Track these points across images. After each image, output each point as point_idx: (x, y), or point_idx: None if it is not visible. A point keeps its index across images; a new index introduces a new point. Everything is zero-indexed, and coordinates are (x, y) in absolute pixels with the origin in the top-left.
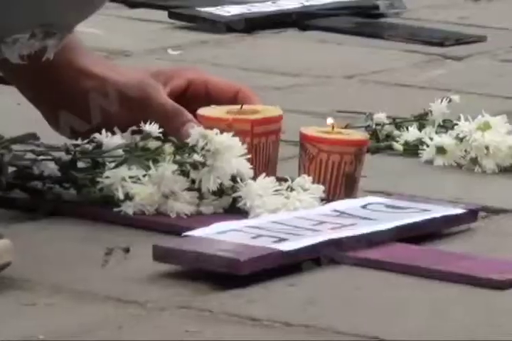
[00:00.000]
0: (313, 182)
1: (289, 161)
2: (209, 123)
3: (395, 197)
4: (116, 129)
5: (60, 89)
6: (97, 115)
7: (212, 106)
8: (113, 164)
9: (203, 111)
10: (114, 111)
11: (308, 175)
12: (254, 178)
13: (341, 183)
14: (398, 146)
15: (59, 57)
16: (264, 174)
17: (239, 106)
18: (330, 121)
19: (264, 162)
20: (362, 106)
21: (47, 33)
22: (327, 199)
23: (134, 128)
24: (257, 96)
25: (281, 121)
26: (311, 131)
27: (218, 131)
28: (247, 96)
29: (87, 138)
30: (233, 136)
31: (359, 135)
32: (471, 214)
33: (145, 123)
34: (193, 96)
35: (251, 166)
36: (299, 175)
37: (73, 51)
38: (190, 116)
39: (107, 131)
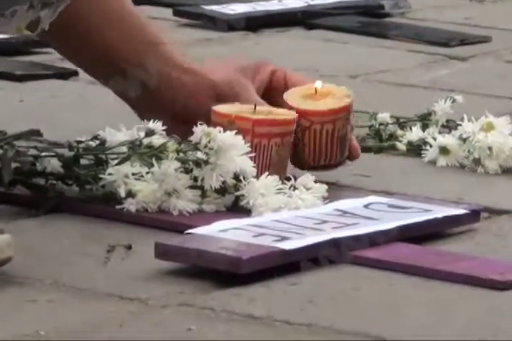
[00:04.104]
0: (308, 151)
1: None
2: (216, 118)
3: (398, 197)
4: (121, 126)
5: (156, 83)
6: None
7: (236, 103)
8: (116, 161)
9: (218, 106)
10: (203, 108)
11: (304, 146)
12: (257, 177)
13: (336, 147)
14: (401, 146)
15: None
16: (267, 173)
17: (264, 107)
18: (318, 84)
19: (264, 164)
20: (366, 106)
21: (44, 3)
22: (325, 164)
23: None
24: None
25: (290, 126)
26: (297, 99)
27: (222, 129)
28: None
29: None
30: (236, 133)
31: (344, 94)
32: (473, 215)
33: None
34: (274, 89)
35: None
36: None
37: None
38: None
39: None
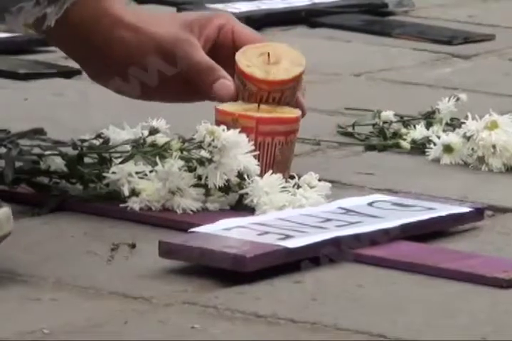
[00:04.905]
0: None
1: (296, 159)
2: (219, 116)
3: (402, 195)
4: (125, 124)
5: (97, 40)
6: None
7: (239, 101)
8: (120, 159)
9: (221, 105)
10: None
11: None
12: (261, 175)
13: None
14: (405, 144)
15: (96, 6)
16: (271, 171)
17: (267, 105)
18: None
19: (268, 162)
20: (369, 104)
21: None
22: None
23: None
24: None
25: (294, 124)
26: (248, 62)
27: (225, 128)
28: None
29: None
30: (239, 132)
31: (297, 61)
32: (477, 213)
33: (178, 77)
34: (222, 45)
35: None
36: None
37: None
38: (223, 72)
39: None
